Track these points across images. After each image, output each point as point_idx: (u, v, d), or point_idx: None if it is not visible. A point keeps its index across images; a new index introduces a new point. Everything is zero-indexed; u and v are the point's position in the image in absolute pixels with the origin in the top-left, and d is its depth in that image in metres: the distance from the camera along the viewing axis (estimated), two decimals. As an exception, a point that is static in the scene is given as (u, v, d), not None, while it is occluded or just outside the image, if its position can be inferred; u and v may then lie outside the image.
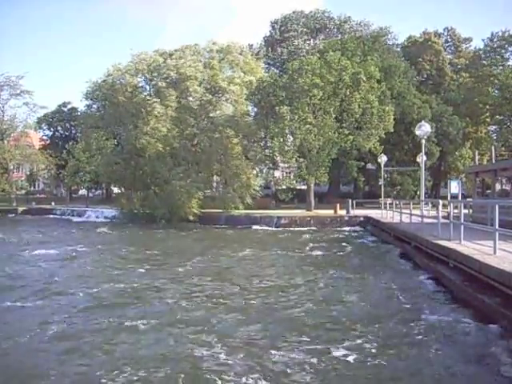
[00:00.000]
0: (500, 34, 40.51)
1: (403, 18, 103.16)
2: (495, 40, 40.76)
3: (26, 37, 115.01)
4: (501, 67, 40.75)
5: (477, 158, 28.40)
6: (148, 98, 35.04)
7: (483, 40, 41.54)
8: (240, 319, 8.66)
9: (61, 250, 18.68)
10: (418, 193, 29.94)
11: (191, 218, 31.30)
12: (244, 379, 5.95)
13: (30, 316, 8.96)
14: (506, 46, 40.74)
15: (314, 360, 6.55)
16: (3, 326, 8.46)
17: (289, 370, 6.26)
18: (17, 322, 8.73)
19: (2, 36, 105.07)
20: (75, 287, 11.49)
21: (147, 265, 14.95)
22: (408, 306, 9.48)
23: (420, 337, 7.63)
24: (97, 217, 38.32)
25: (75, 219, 38.44)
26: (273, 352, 6.87)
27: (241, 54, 37.26)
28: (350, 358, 6.63)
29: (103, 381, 5.95)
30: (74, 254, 17.74)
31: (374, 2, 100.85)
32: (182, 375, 6.15)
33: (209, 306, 9.71)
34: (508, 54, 41.28)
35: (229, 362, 6.56)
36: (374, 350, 6.96)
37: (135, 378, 6.06)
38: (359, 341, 7.33)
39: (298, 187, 38.89)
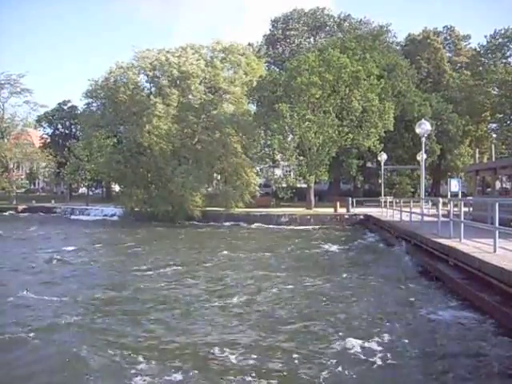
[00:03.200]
0: (502, 31, 40.38)
1: (404, 16, 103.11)
2: (497, 37, 40.62)
3: (26, 37, 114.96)
4: (501, 65, 40.64)
5: (477, 156, 28.44)
6: (150, 96, 35.03)
7: (485, 36, 41.41)
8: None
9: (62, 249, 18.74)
10: (418, 191, 29.97)
11: (192, 216, 31.37)
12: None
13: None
14: (508, 43, 40.58)
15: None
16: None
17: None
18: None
19: (1, 36, 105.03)
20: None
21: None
22: (408, 305, 9.52)
23: (420, 334, 7.67)
24: (96, 215, 38.36)
25: (75, 217, 38.47)
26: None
27: (243, 55, 37.26)
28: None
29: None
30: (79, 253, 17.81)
31: (375, 0, 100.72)
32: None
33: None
34: (509, 51, 41.13)
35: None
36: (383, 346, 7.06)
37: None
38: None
39: (298, 185, 38.87)
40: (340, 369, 6.26)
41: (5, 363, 6.63)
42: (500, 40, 40.52)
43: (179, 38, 75.26)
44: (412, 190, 37.05)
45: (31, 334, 7.61)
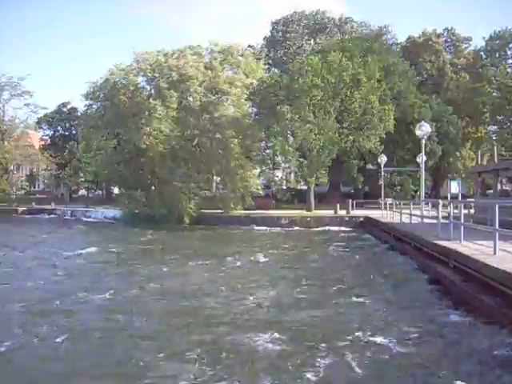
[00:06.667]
0: (501, 32, 40.39)
1: (405, 17, 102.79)
2: (495, 39, 40.63)
3: (26, 37, 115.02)
4: (501, 67, 40.64)
5: (478, 158, 28.47)
6: (150, 98, 34.99)
7: (484, 37, 41.43)
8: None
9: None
10: (418, 193, 29.92)
11: (191, 218, 31.30)
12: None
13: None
14: (508, 44, 40.56)
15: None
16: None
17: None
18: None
19: (1, 36, 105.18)
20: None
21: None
22: (408, 307, 9.46)
23: (420, 336, 7.62)
24: (96, 217, 38.34)
25: (75, 219, 38.43)
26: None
27: (242, 56, 37.25)
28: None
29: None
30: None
31: (377, 1, 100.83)
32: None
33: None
34: (509, 53, 41.16)
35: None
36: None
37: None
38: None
39: (298, 187, 38.86)
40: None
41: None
42: (498, 42, 40.50)
43: (190, 41, 74.78)
44: (414, 190, 37.00)
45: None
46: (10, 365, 6.66)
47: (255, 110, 36.83)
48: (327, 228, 27.74)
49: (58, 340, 7.50)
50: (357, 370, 6.27)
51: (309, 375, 6.06)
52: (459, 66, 48.50)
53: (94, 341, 7.58)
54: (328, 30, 52.80)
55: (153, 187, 34.79)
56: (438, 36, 49.36)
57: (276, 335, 7.51)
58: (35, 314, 9.03)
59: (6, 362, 6.73)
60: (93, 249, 18.70)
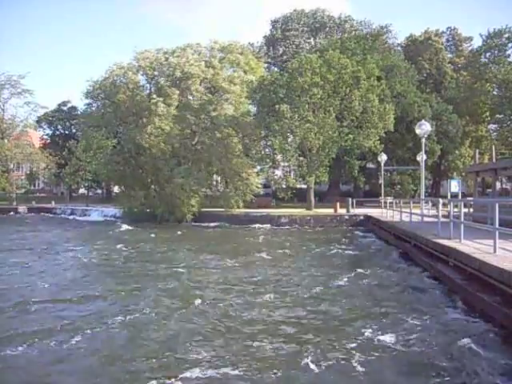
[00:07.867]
0: (502, 31, 40.30)
1: (406, 17, 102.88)
2: (494, 37, 40.53)
3: (26, 37, 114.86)
4: (500, 65, 40.56)
5: (477, 156, 28.47)
6: (151, 96, 34.98)
7: (480, 35, 41.36)
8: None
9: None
10: (418, 192, 29.98)
11: (191, 216, 31.34)
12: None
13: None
14: (508, 42, 40.46)
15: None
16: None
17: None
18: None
19: (1, 36, 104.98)
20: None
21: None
22: (408, 306, 9.52)
23: (420, 334, 7.67)
24: (97, 216, 38.39)
25: (76, 218, 38.47)
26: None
27: (241, 54, 37.25)
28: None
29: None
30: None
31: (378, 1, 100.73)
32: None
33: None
34: (508, 51, 41.11)
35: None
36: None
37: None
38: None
39: (298, 186, 38.84)
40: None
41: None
42: (497, 40, 40.40)
43: (190, 40, 74.64)
44: (414, 189, 37.10)
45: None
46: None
47: (255, 108, 36.81)
48: (327, 226, 27.76)
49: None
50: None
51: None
52: (459, 65, 48.53)
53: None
54: (328, 28, 52.80)
55: (153, 186, 34.78)
56: (439, 35, 49.37)
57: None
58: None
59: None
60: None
